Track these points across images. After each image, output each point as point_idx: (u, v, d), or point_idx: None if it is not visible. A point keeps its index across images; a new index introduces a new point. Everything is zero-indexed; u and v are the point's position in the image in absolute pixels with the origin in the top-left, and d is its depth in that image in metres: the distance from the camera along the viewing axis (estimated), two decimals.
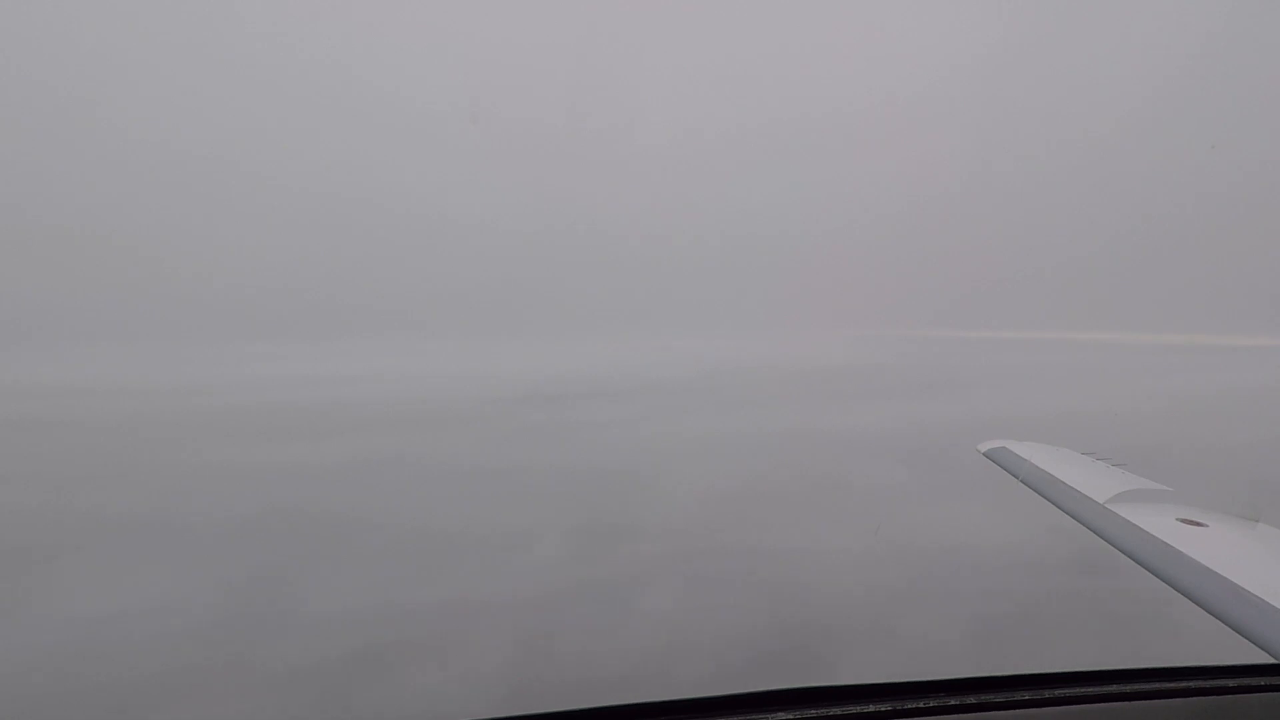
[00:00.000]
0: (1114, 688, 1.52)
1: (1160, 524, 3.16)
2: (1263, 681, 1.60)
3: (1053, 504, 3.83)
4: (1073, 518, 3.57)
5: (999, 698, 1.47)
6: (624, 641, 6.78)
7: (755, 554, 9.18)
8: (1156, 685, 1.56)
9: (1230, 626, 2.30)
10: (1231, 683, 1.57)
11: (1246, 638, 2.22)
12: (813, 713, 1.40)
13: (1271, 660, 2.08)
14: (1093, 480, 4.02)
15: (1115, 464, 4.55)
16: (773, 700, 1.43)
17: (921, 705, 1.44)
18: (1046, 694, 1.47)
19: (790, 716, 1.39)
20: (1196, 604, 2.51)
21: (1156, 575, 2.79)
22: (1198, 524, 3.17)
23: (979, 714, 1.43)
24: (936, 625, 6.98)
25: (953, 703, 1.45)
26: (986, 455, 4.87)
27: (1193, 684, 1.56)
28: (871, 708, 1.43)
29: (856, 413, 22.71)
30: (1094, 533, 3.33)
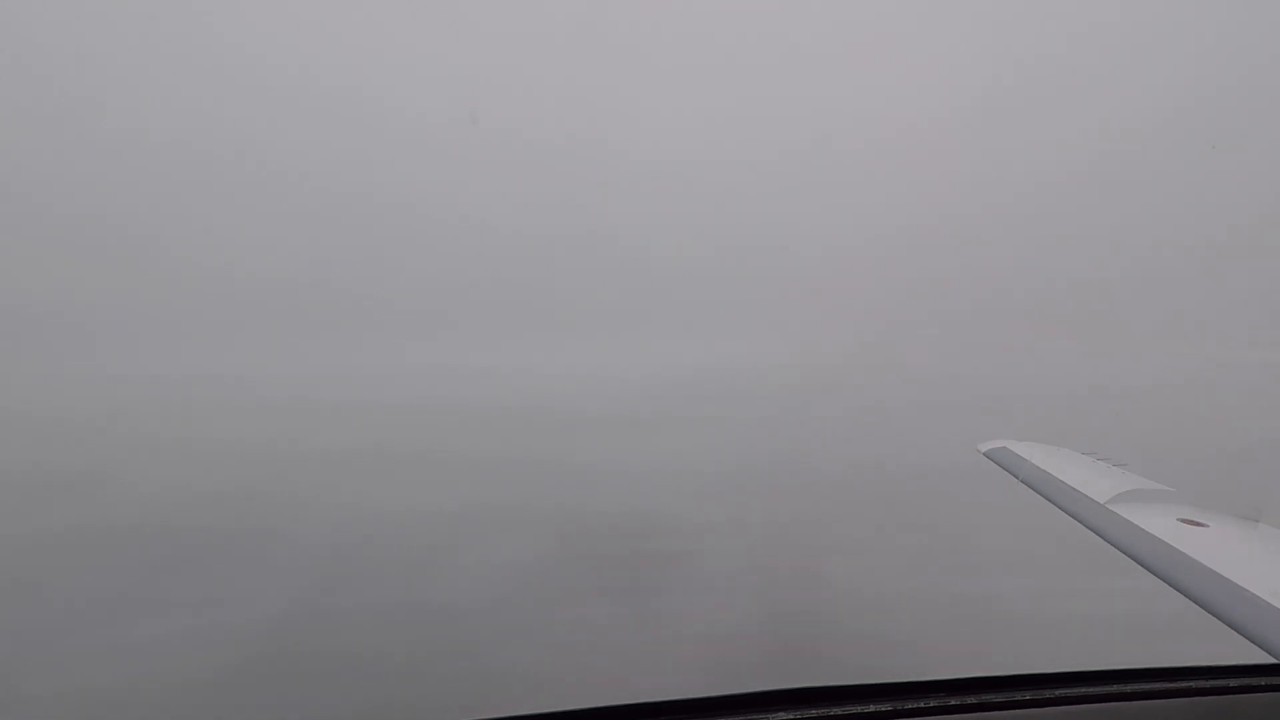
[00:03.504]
0: (1114, 688, 1.53)
1: (1161, 524, 3.16)
2: (1263, 681, 1.60)
3: (1053, 504, 3.83)
4: (1073, 518, 3.57)
5: (999, 698, 1.47)
6: None
7: None
8: (1156, 685, 1.56)
9: (1230, 626, 2.30)
10: (1231, 683, 1.57)
11: (1246, 638, 2.22)
12: (813, 713, 1.40)
13: (1271, 660, 2.08)
14: (1093, 480, 4.01)
15: (1116, 464, 4.54)
16: (773, 700, 1.44)
17: (921, 705, 1.44)
18: (1046, 694, 1.47)
19: (790, 716, 1.39)
20: (1197, 604, 2.51)
21: (1157, 575, 2.79)
22: (1198, 524, 3.17)
23: (979, 714, 1.44)
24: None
25: (953, 703, 1.45)
26: (986, 455, 4.85)
27: (1193, 684, 1.56)
28: (872, 708, 1.44)
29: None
30: (1094, 533, 3.33)
